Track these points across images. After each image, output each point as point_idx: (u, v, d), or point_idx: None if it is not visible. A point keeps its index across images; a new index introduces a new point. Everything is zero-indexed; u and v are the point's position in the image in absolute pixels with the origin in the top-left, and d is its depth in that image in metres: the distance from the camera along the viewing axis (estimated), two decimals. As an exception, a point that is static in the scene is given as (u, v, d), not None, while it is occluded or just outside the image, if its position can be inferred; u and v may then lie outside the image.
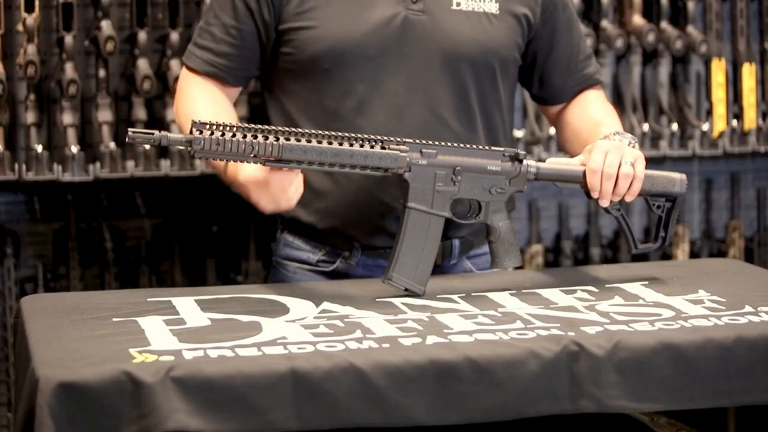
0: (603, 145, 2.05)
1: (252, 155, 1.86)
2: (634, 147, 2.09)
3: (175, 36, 3.00)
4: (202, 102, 2.17)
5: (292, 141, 1.87)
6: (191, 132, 1.84)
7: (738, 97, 3.44)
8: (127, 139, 1.83)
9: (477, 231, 2.22)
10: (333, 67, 2.13)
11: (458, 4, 2.17)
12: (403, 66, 2.14)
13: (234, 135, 1.85)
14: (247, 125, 1.87)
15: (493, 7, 2.19)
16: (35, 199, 3.11)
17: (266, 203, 1.97)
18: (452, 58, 2.15)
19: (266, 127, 1.87)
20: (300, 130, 1.89)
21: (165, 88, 3.01)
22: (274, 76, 2.22)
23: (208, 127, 1.84)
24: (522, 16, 2.22)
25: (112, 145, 2.97)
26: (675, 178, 2.11)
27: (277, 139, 1.87)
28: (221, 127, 1.85)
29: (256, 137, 1.86)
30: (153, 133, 1.83)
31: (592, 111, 2.31)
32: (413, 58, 2.14)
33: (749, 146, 3.40)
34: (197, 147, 1.84)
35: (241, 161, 1.88)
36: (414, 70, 2.14)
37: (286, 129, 1.88)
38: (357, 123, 2.09)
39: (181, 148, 2.94)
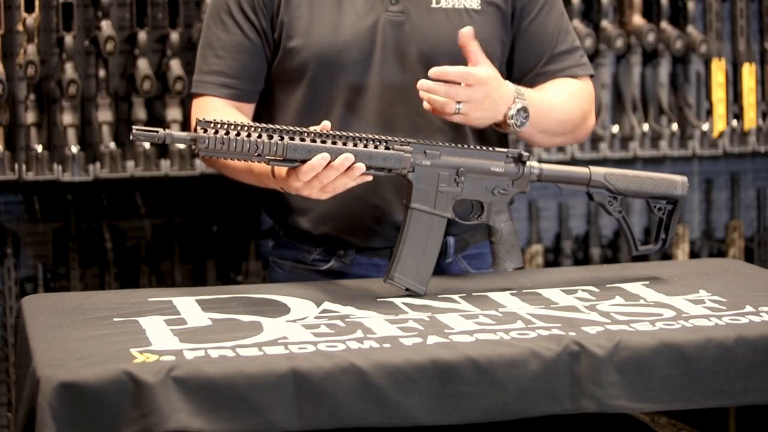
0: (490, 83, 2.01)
1: (256, 154, 1.86)
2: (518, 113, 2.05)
3: (175, 36, 3.00)
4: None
5: (297, 140, 1.87)
6: (195, 130, 1.84)
7: (738, 97, 3.44)
8: (131, 137, 1.82)
9: (472, 230, 2.22)
10: (318, 76, 2.13)
11: (438, 2, 2.15)
12: (386, 69, 2.13)
13: (239, 134, 1.84)
14: (252, 124, 1.86)
15: (475, 2, 2.17)
16: (35, 199, 3.11)
17: (317, 193, 1.92)
18: (432, 58, 2.11)
19: (271, 126, 1.87)
20: (305, 129, 1.88)
21: (165, 88, 3.01)
22: (265, 88, 2.21)
23: (212, 125, 1.83)
24: (502, 4, 2.18)
25: (112, 145, 2.97)
26: (676, 181, 2.11)
27: (282, 139, 1.86)
28: (226, 126, 1.84)
29: (260, 136, 1.85)
30: (157, 131, 1.82)
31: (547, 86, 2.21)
32: (395, 60, 2.13)
33: (749, 146, 3.40)
34: (202, 145, 1.83)
35: (245, 160, 1.88)
36: (397, 72, 2.13)
37: (291, 128, 1.87)
38: (344, 129, 2.07)
39: (182, 147, 2.96)
